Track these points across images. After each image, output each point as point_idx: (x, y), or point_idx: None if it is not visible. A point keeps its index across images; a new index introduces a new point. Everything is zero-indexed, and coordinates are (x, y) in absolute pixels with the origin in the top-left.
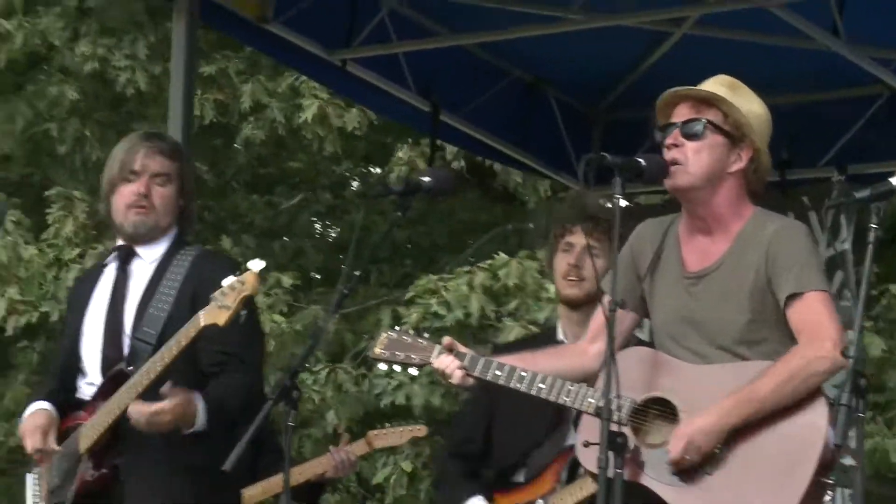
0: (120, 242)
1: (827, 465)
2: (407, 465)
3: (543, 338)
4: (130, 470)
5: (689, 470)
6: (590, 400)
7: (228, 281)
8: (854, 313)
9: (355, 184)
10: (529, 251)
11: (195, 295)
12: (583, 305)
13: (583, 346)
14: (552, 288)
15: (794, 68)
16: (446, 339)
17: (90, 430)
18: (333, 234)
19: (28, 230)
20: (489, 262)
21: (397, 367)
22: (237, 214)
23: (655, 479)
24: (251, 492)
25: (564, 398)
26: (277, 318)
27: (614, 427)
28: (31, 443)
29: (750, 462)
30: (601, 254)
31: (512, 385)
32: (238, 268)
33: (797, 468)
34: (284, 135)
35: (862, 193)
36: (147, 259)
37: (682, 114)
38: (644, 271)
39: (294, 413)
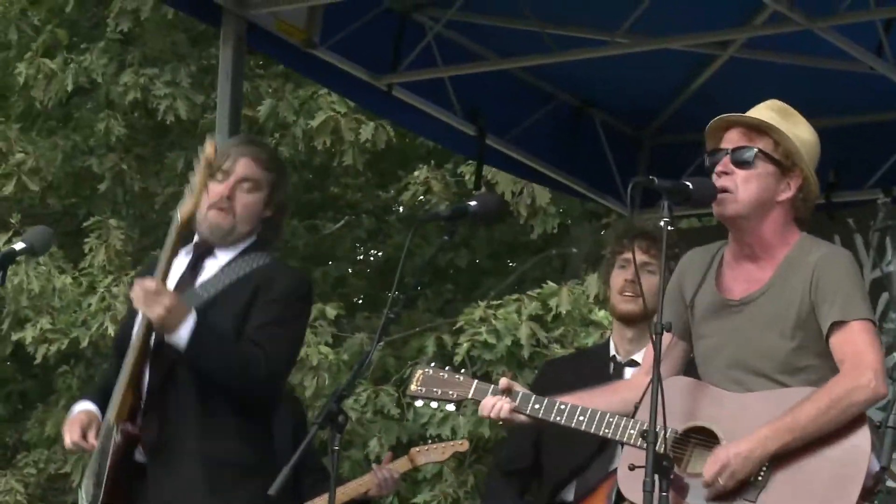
0: (197, 240)
1: (870, 490)
2: (446, 486)
3: (595, 354)
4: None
5: (728, 498)
6: (630, 431)
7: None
8: None
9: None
10: (576, 279)
11: (258, 287)
12: (637, 322)
13: (638, 380)
14: (601, 314)
15: (840, 91)
16: (503, 381)
17: (114, 397)
18: (374, 259)
19: (63, 259)
20: (538, 290)
21: (434, 404)
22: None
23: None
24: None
25: (605, 430)
26: (324, 349)
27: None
28: (68, 438)
29: (792, 488)
30: (657, 271)
31: (552, 419)
32: (304, 278)
33: (841, 493)
34: (302, 151)
35: None
36: (221, 260)
37: (732, 140)
38: (689, 299)
39: (339, 437)
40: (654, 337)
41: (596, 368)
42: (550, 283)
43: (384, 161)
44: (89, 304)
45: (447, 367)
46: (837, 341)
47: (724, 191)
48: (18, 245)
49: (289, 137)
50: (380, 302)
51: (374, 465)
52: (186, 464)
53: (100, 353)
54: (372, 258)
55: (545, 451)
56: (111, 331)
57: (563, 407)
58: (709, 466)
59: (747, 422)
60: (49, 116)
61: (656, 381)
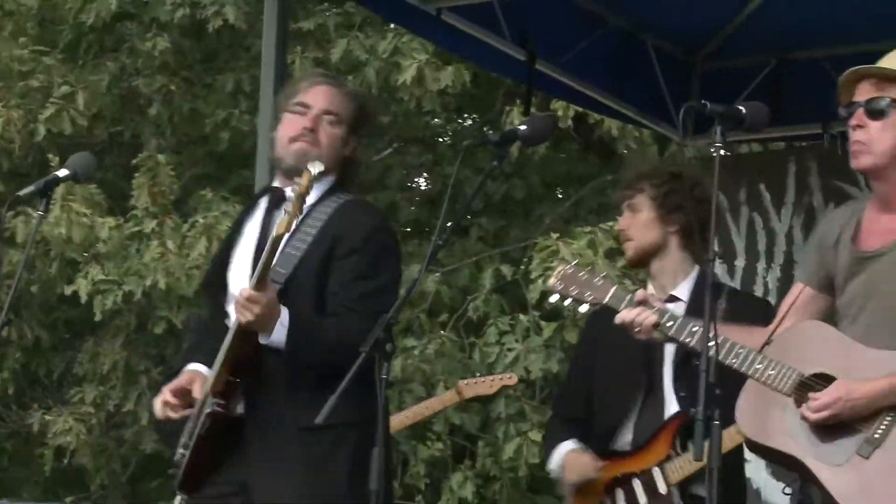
0: (276, 184)
1: None
2: (535, 435)
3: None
4: (256, 420)
5: (841, 447)
6: (757, 366)
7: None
8: None
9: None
10: None
11: (335, 238)
12: (647, 261)
13: (774, 325)
14: None
15: None
16: (640, 292)
17: (213, 369)
18: (425, 187)
19: (106, 200)
20: (611, 223)
21: (567, 302)
22: None
23: (811, 455)
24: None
25: (732, 360)
26: None
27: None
28: (158, 408)
29: None
30: (640, 207)
31: (683, 339)
32: (379, 220)
33: None
34: (378, 94)
35: None
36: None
37: (864, 91)
38: (831, 254)
39: (387, 366)
40: (708, 271)
41: None
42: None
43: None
44: (139, 252)
45: (589, 266)
46: None
47: (859, 144)
48: (62, 172)
49: (359, 78)
50: (429, 231)
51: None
52: (279, 435)
53: (152, 305)
54: (422, 186)
55: (596, 399)
56: (162, 284)
57: (695, 329)
58: (820, 393)
59: (873, 372)
60: (92, 42)
61: (709, 306)
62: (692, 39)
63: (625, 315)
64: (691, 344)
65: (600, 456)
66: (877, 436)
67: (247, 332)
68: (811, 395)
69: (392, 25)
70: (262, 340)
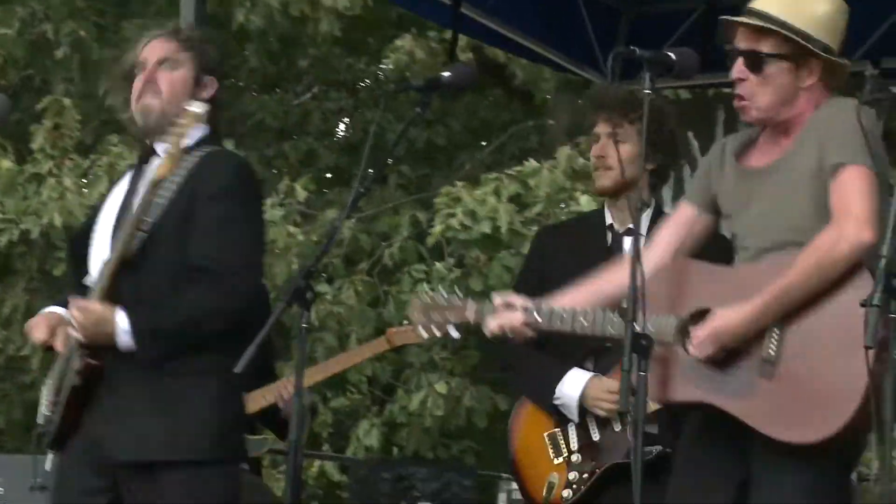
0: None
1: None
2: (442, 387)
3: (592, 221)
4: (118, 369)
5: (740, 377)
6: (610, 329)
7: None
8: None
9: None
10: (548, 155)
11: (194, 191)
12: (619, 193)
13: (645, 255)
14: (583, 200)
15: None
16: (497, 298)
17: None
18: (344, 133)
19: (11, 143)
20: (518, 168)
21: (438, 333)
22: (246, 115)
23: (716, 393)
24: (254, 397)
25: (610, 330)
26: (293, 229)
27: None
28: (37, 334)
29: (807, 357)
30: (627, 139)
31: (556, 328)
32: (240, 162)
33: (853, 349)
34: (280, 21)
35: None
36: (163, 154)
37: (742, 38)
38: (717, 172)
39: (307, 315)
40: (633, 213)
41: (594, 237)
42: (532, 161)
43: (357, 30)
44: (37, 192)
45: (440, 292)
46: (833, 190)
47: (741, 99)
48: None
49: (260, 6)
50: (350, 178)
51: (280, 382)
52: (136, 383)
53: (51, 245)
54: (343, 133)
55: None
56: (59, 222)
57: (564, 315)
58: (697, 328)
59: (750, 294)
60: None
61: (634, 256)
62: None
63: (492, 325)
64: (561, 329)
65: None
66: (771, 352)
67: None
68: (691, 330)
69: None
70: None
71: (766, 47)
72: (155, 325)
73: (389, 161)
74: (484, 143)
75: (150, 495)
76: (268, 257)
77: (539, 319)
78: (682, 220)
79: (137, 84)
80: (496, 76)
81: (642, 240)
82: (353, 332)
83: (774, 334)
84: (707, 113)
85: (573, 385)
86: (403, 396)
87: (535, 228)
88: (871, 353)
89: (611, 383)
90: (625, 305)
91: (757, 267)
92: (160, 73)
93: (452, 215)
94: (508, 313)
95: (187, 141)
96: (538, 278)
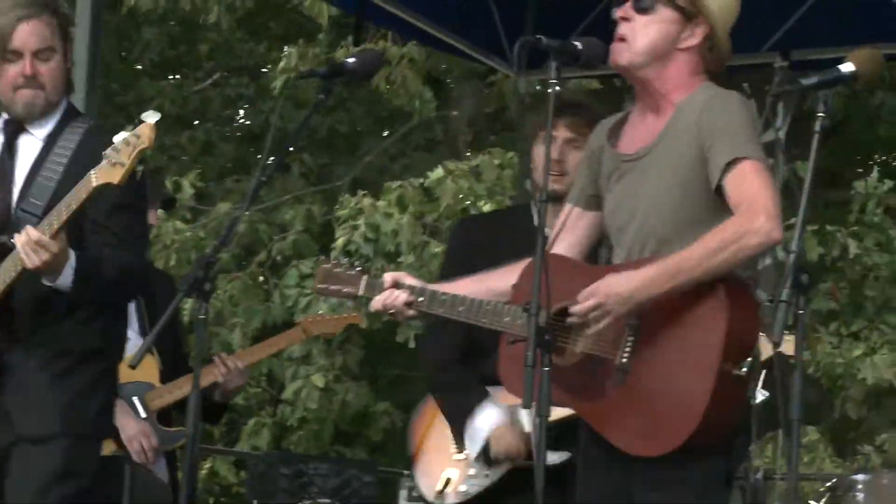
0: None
1: (737, 354)
2: (318, 379)
3: (515, 215)
4: (16, 358)
5: (596, 383)
6: (506, 319)
7: (121, 136)
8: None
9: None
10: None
11: (87, 167)
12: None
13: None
14: (486, 207)
15: None
16: (388, 276)
17: None
18: (243, 121)
19: None
20: (421, 180)
21: (335, 298)
22: (143, 100)
23: (578, 400)
24: (152, 397)
25: (483, 319)
26: (181, 226)
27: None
28: None
29: (658, 367)
30: (582, 146)
31: (436, 311)
32: None
33: (701, 362)
34: (180, 6)
35: (810, 80)
36: (38, 135)
37: None
38: (596, 162)
39: (206, 307)
40: (537, 205)
41: (525, 233)
42: (439, 170)
43: (258, 15)
44: None
45: (345, 260)
46: (730, 184)
47: (621, 39)
48: None
49: None
50: (251, 168)
51: (217, 357)
52: (27, 361)
53: None
54: (244, 121)
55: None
56: None
57: (443, 298)
58: (584, 298)
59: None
60: None
61: (539, 249)
62: None
63: (376, 302)
64: (442, 314)
65: (492, 382)
66: (623, 360)
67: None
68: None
69: None
70: (46, 282)
71: None
72: (94, 272)
73: (291, 150)
74: (387, 133)
75: (27, 465)
76: (150, 254)
77: (421, 300)
78: (570, 223)
79: (14, 73)
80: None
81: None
82: (240, 323)
83: (629, 341)
84: (616, 103)
85: (484, 422)
86: (289, 393)
87: (426, 238)
88: (717, 366)
89: (518, 434)
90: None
91: (621, 268)
92: (39, 66)
93: (356, 227)
94: (394, 292)
95: (47, 128)
96: (467, 270)
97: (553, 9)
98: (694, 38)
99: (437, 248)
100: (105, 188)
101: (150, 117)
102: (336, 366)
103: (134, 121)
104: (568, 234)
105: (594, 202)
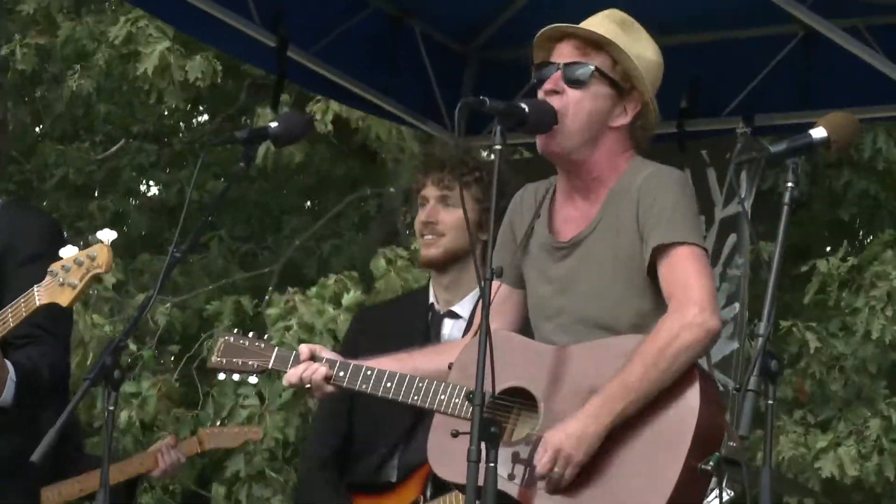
0: None
1: (704, 450)
2: None
3: (415, 299)
4: None
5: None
6: (441, 397)
7: (71, 252)
8: (744, 282)
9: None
10: (405, 247)
11: (7, 246)
12: (448, 266)
13: (465, 341)
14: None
15: (697, 4)
16: (304, 348)
17: None
18: (158, 193)
19: None
20: (355, 273)
21: (236, 376)
22: (46, 167)
23: (513, 480)
24: (49, 493)
25: (415, 398)
26: (98, 319)
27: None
28: None
29: (617, 456)
30: (457, 203)
31: (358, 387)
32: (50, 221)
33: (668, 455)
34: (118, 87)
35: (779, 147)
36: None
37: (565, 54)
38: (520, 242)
39: (115, 395)
40: (481, 284)
41: (413, 317)
42: (381, 263)
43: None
44: None
45: (250, 333)
46: (662, 272)
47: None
48: None
49: (92, 68)
50: (164, 243)
51: (161, 446)
52: None
53: None
54: (157, 189)
55: (358, 427)
56: None
57: (369, 373)
58: (540, 454)
59: (568, 378)
60: None
61: (484, 333)
62: (465, 27)
63: (291, 374)
64: (368, 391)
65: (364, 490)
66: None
67: None
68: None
69: (127, 7)
70: None
71: (595, 63)
72: (34, 381)
73: (210, 226)
74: (310, 203)
75: None
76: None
77: (342, 375)
78: (500, 301)
79: None
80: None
81: (469, 320)
82: (166, 434)
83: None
84: (548, 172)
85: None
86: None
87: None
88: (683, 462)
89: None
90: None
91: (573, 351)
92: None
93: (288, 328)
94: (312, 365)
95: None
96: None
97: (495, 67)
98: (626, 116)
99: None
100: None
101: (106, 235)
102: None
103: (35, 193)
104: (501, 314)
105: (520, 280)
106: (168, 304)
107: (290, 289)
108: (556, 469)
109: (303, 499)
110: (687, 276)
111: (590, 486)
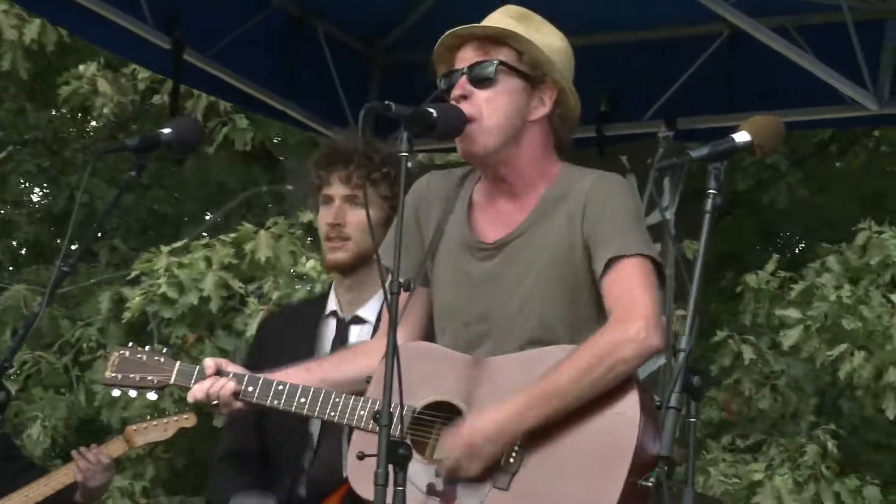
0: None
1: (644, 465)
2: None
3: (312, 307)
4: None
5: (474, 485)
6: (360, 412)
7: None
8: (669, 294)
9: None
10: (288, 218)
11: None
12: (355, 270)
13: (376, 344)
14: (310, 263)
15: (615, 3)
16: (209, 361)
17: None
18: (44, 200)
19: None
20: (233, 234)
21: (133, 393)
22: None
23: (441, 500)
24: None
25: (332, 413)
26: None
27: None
28: None
29: (549, 470)
30: (370, 203)
31: (269, 404)
32: None
33: (607, 472)
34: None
35: (700, 152)
36: None
37: (467, 58)
38: (429, 238)
39: (1, 418)
40: (388, 297)
41: (316, 324)
42: (247, 225)
43: (52, 72)
44: None
45: (147, 348)
46: (607, 284)
47: (471, 119)
48: None
49: None
50: (52, 253)
51: (75, 452)
52: None
53: None
54: (43, 199)
55: (269, 437)
56: None
57: (280, 387)
58: (448, 448)
59: (497, 391)
60: None
61: (391, 350)
62: (372, 28)
63: (196, 391)
64: (280, 407)
65: None
66: (511, 461)
67: None
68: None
69: None
70: None
71: (499, 58)
72: None
73: (99, 234)
74: (209, 214)
75: None
76: None
77: (251, 390)
78: (403, 299)
79: None
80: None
81: (375, 324)
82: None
83: (515, 448)
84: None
85: None
86: None
87: (253, 302)
88: (625, 478)
89: None
90: (365, 413)
91: (501, 361)
92: None
93: (156, 286)
94: (219, 380)
95: None
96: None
97: (402, 70)
98: (544, 106)
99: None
100: None
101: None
102: (147, 475)
103: None
104: (407, 314)
105: (425, 278)
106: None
107: (161, 247)
108: (462, 465)
109: (214, 493)
110: (633, 290)
111: (516, 503)
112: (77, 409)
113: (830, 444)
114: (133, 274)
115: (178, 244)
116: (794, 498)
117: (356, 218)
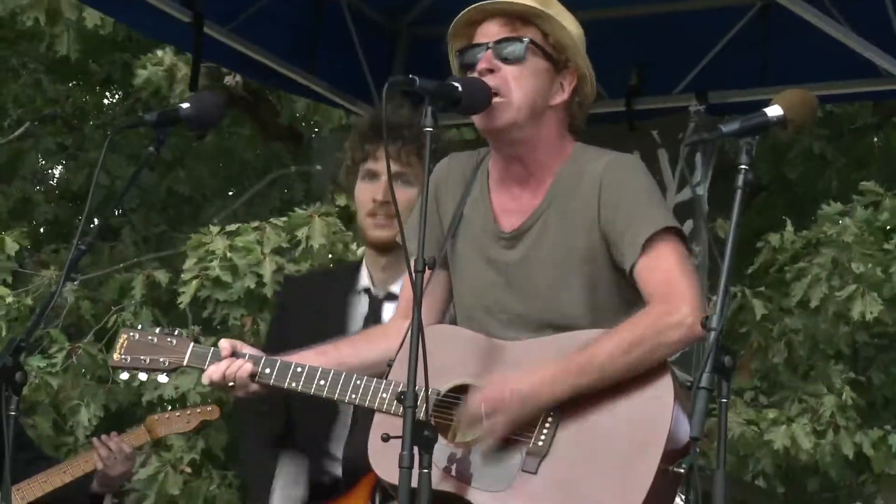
0: None
1: (678, 451)
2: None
3: (338, 280)
4: None
5: (503, 469)
6: (383, 395)
7: None
8: (702, 272)
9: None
10: (329, 204)
11: None
12: (396, 249)
13: (395, 326)
14: (360, 252)
15: None
16: (225, 343)
17: None
18: (65, 178)
19: None
20: (284, 218)
21: (143, 376)
22: None
23: (473, 484)
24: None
25: (352, 396)
26: (2, 289)
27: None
28: None
29: (581, 456)
30: (414, 181)
31: (287, 386)
32: None
33: (640, 459)
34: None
35: (731, 127)
36: None
37: (491, 32)
38: (449, 221)
39: (17, 399)
40: (412, 276)
41: (345, 299)
42: (299, 210)
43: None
44: None
45: (158, 329)
46: (642, 269)
47: (494, 94)
48: None
49: None
50: (72, 231)
51: (96, 440)
52: None
53: None
54: (63, 176)
55: (297, 414)
56: None
57: (299, 370)
58: (473, 401)
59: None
60: None
61: (415, 328)
62: (396, 1)
63: (212, 372)
64: (298, 389)
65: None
66: (540, 444)
67: None
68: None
69: None
70: None
71: (528, 36)
72: None
73: (117, 212)
74: (233, 192)
75: None
76: None
77: (268, 372)
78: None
79: None
80: (252, 109)
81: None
82: (81, 404)
83: (548, 422)
84: None
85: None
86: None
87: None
88: (658, 463)
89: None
90: (388, 396)
91: (529, 345)
92: None
93: (208, 269)
94: (235, 361)
95: None
96: (282, 340)
97: (428, 44)
98: (564, 92)
99: None
100: None
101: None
102: (197, 448)
103: None
104: (428, 296)
105: (444, 260)
106: (76, 283)
107: (210, 228)
108: (487, 421)
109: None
110: (672, 274)
111: (555, 488)
112: (116, 394)
113: (846, 395)
114: (189, 261)
115: (232, 227)
116: (811, 441)
117: (404, 195)
